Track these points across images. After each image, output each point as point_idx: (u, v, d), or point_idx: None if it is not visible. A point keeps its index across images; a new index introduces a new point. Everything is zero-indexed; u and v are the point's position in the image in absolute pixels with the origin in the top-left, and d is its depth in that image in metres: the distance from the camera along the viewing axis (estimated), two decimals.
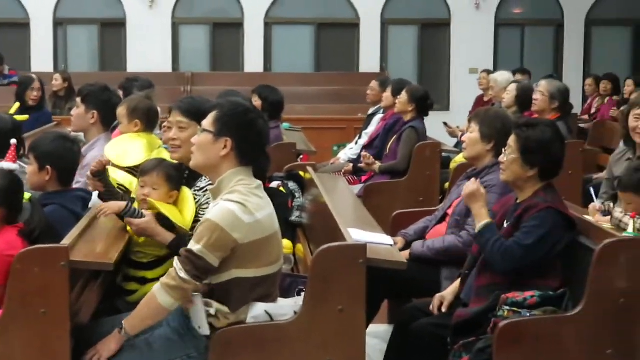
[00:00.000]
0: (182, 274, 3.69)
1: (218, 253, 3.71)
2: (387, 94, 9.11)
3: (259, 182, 3.90)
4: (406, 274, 4.68)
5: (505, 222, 4.47)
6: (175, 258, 3.76)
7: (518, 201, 4.49)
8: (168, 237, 4.27)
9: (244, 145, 3.84)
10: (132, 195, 4.61)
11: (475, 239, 4.53)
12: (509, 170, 4.44)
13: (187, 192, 4.43)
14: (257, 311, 3.84)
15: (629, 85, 11.87)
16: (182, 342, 3.83)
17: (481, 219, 4.46)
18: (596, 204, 5.37)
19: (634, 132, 5.67)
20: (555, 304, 4.15)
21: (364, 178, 8.51)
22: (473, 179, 4.65)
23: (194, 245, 3.71)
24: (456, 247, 5.04)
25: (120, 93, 7.34)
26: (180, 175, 4.49)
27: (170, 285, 3.72)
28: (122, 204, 4.35)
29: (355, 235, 4.20)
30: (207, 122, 3.88)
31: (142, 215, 4.28)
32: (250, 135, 3.86)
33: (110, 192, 4.55)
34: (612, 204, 5.30)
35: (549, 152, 4.41)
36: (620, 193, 4.89)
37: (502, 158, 4.51)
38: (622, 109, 7.17)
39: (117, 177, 4.84)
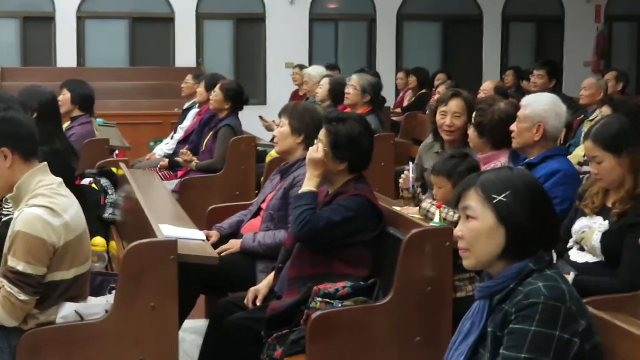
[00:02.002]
0: (22, 297, 3.60)
1: (42, 262, 3.61)
2: (201, 89, 9.09)
3: (60, 180, 3.81)
4: (221, 268, 4.68)
5: None
6: (4, 282, 3.63)
7: (330, 192, 4.55)
8: None
9: (21, 144, 3.72)
10: None
11: (294, 200, 4.55)
12: None
13: None
14: (67, 311, 3.76)
15: (438, 79, 12.21)
16: None
17: (309, 185, 4.48)
18: (409, 174, 5.51)
19: (441, 129, 5.85)
20: (366, 294, 4.22)
21: (180, 173, 8.45)
22: (321, 146, 4.59)
23: (17, 264, 3.58)
24: None
25: None
26: None
27: (13, 309, 3.61)
28: None
29: (167, 231, 4.17)
30: None
31: None
32: (21, 133, 3.75)
33: None
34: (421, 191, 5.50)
35: (358, 146, 4.49)
36: (433, 177, 5.02)
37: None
38: (431, 104, 7.38)
39: None
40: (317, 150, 4.47)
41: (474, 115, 5.47)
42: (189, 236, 4.41)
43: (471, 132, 5.47)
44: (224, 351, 4.49)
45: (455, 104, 5.78)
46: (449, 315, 4.14)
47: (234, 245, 5.24)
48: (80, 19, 15.50)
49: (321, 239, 4.36)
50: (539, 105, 5.04)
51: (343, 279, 4.27)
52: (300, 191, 4.51)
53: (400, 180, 5.64)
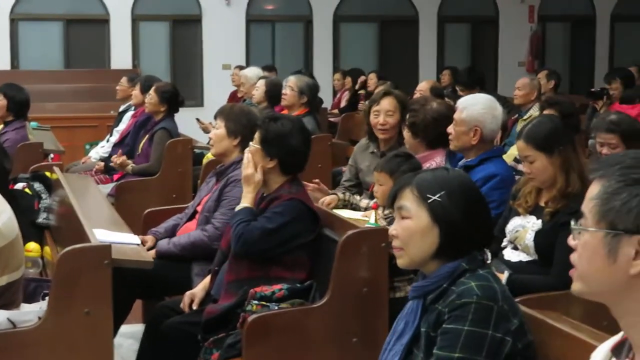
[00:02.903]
0: None
1: None
2: (136, 92, 9.03)
3: None
4: (157, 272, 4.65)
5: None
6: None
7: (264, 194, 4.55)
8: None
9: None
10: None
11: (231, 218, 4.56)
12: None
13: None
14: None
15: (371, 79, 12.26)
16: None
17: (244, 202, 4.50)
18: None
19: (375, 129, 5.87)
20: (303, 296, 4.22)
21: (116, 177, 8.38)
22: (252, 163, 4.58)
23: None
24: (202, 241, 5.06)
25: None
26: None
27: None
28: None
29: (100, 235, 4.13)
30: None
31: None
32: None
33: None
34: (352, 195, 5.51)
35: (287, 144, 4.50)
36: (375, 173, 5.02)
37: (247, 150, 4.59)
38: (365, 104, 7.41)
39: None
40: (249, 167, 4.49)
41: (407, 115, 5.51)
42: (124, 240, 4.37)
43: (405, 132, 5.50)
44: (160, 355, 4.47)
45: (387, 102, 5.84)
46: (385, 316, 4.16)
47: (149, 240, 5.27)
48: (13, 21, 15.30)
49: (259, 248, 4.35)
50: (475, 109, 5.06)
51: (280, 281, 4.27)
52: (235, 209, 4.51)
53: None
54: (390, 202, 3.05)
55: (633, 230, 1.83)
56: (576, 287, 1.95)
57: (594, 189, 1.90)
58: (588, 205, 1.90)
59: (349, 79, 13.31)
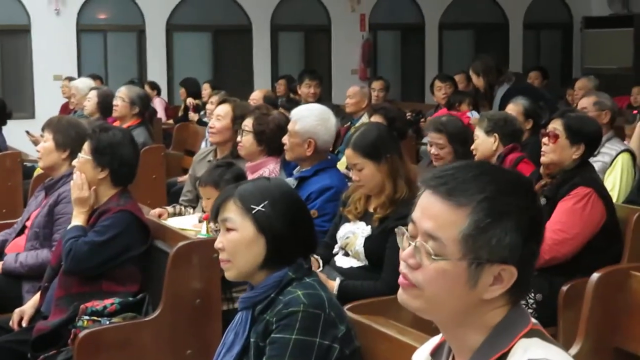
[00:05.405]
0: None
1: None
2: None
3: None
4: None
5: None
6: None
7: (94, 207, 4.49)
8: None
9: None
10: None
11: (62, 237, 4.48)
12: (80, 171, 4.46)
13: None
14: None
15: (205, 89, 12.22)
16: None
17: (75, 221, 4.44)
18: None
19: (211, 134, 5.92)
20: (136, 309, 4.19)
21: None
22: (87, 185, 4.50)
23: None
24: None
25: None
26: None
27: None
28: None
29: None
30: None
31: None
32: None
33: None
34: (183, 207, 5.49)
35: (119, 154, 4.46)
36: (200, 188, 5.03)
37: (75, 162, 4.53)
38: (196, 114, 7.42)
39: None
40: (82, 188, 4.42)
41: (250, 123, 5.52)
42: None
43: (246, 138, 5.51)
44: None
45: (220, 108, 5.93)
46: (219, 327, 4.16)
47: None
48: None
49: (90, 263, 4.27)
50: (308, 121, 5.12)
51: (112, 295, 4.22)
52: (67, 229, 4.44)
53: None
54: (215, 215, 3.04)
55: (494, 260, 1.84)
56: (415, 304, 1.90)
57: (457, 218, 1.84)
58: (448, 233, 1.84)
59: (181, 90, 13.22)
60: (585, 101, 6.83)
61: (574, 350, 3.70)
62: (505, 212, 1.84)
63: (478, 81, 8.57)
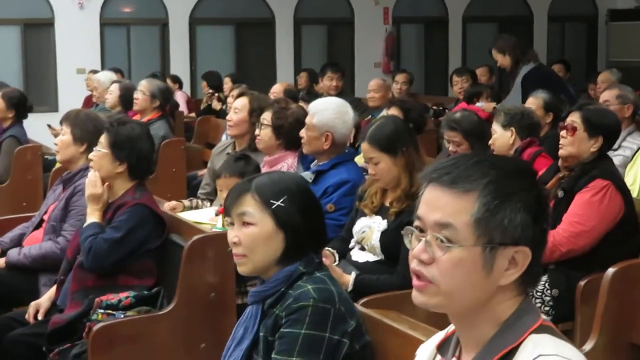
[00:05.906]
0: None
1: None
2: None
3: None
4: (2, 283, 4.54)
5: None
6: None
7: (110, 201, 4.48)
8: None
9: None
10: None
11: (79, 236, 4.47)
12: (97, 165, 4.45)
13: None
14: None
15: (227, 83, 12.19)
16: None
17: (91, 218, 4.42)
18: None
19: (229, 127, 5.92)
20: (150, 303, 4.18)
21: None
22: (100, 181, 4.50)
23: None
24: (53, 253, 4.94)
25: None
26: None
27: None
28: None
29: None
30: None
31: None
32: None
33: None
34: (200, 200, 5.49)
35: (138, 148, 4.46)
36: (221, 180, 5.01)
37: (92, 155, 4.52)
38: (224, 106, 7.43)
39: None
40: (96, 185, 4.41)
41: (269, 116, 5.50)
42: None
43: (265, 132, 5.49)
44: None
45: (238, 101, 5.92)
46: (233, 321, 4.10)
47: None
48: None
49: (110, 259, 4.28)
50: (326, 114, 5.09)
51: (127, 289, 4.22)
52: (83, 227, 4.43)
53: None
54: (230, 209, 2.99)
55: (507, 242, 1.84)
56: (433, 301, 1.88)
57: (466, 204, 1.84)
58: (459, 219, 1.84)
59: (204, 83, 13.21)
60: (608, 94, 6.75)
61: (589, 345, 3.66)
62: (511, 193, 1.85)
63: (504, 60, 8.41)
